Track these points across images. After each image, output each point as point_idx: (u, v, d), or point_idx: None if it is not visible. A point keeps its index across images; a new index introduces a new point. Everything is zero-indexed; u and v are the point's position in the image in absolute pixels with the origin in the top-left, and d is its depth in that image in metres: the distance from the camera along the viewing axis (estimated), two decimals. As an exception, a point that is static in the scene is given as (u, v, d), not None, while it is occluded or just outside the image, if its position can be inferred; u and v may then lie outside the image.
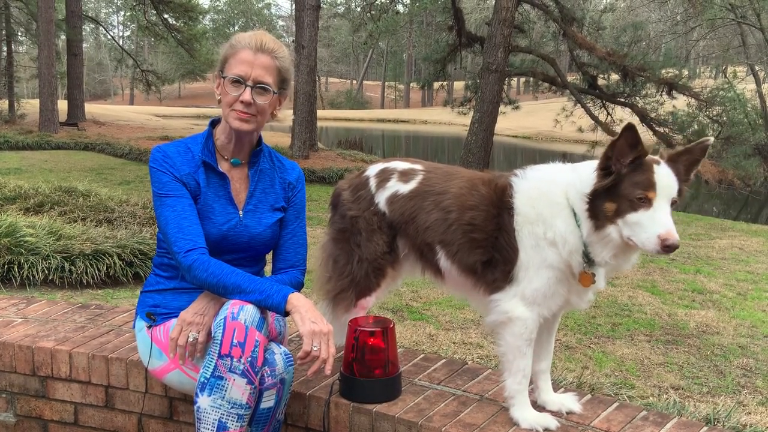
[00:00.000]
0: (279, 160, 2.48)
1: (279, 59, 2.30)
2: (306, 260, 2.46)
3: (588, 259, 2.06)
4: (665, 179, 1.94)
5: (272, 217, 2.39)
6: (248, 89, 2.24)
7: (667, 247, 1.88)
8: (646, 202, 1.92)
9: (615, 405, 2.34)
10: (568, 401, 2.30)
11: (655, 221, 1.90)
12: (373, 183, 2.47)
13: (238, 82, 2.25)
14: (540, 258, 2.11)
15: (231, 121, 2.28)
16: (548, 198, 2.11)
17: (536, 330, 2.18)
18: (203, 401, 2.11)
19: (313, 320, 2.09)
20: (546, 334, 2.31)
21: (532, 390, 2.31)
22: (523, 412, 2.19)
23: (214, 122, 2.40)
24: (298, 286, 2.39)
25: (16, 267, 4.90)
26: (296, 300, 2.13)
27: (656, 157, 2.00)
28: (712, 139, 2.06)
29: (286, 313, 2.14)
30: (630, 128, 1.95)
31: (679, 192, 1.98)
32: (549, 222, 2.09)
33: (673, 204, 1.96)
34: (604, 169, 1.99)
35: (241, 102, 2.25)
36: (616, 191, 1.96)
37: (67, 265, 5.01)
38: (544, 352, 2.32)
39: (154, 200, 2.29)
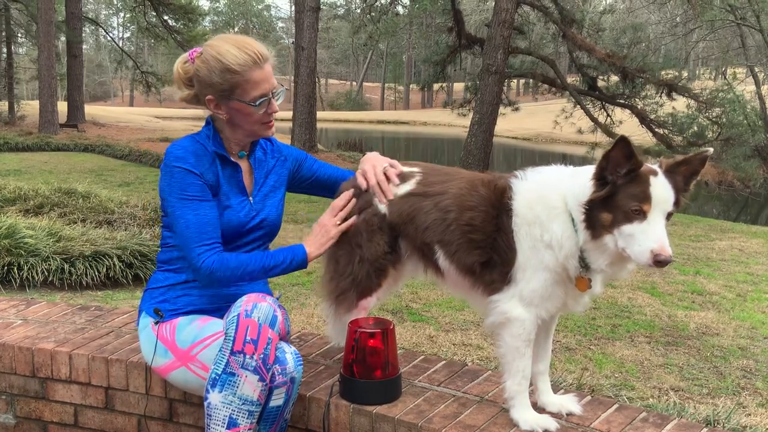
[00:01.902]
0: (265, 146, 2.57)
1: (270, 57, 2.36)
2: None
3: (584, 264, 2.06)
4: (661, 192, 1.93)
5: (275, 197, 2.51)
6: (273, 100, 2.34)
7: (659, 262, 1.88)
8: (641, 215, 1.92)
9: (615, 406, 2.34)
10: (568, 403, 2.30)
11: (648, 235, 1.90)
12: None
13: (267, 99, 2.31)
14: (537, 260, 2.11)
15: (264, 132, 2.40)
16: (546, 201, 2.11)
17: (534, 331, 2.18)
18: (214, 397, 2.12)
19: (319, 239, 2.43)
20: (543, 335, 2.31)
21: (531, 392, 2.31)
22: (523, 413, 2.19)
23: (213, 118, 2.42)
24: None
25: (15, 268, 4.90)
26: (310, 245, 2.41)
27: (654, 168, 1.99)
28: (711, 150, 2.04)
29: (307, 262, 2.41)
30: (623, 140, 1.94)
31: (676, 203, 1.97)
32: (546, 225, 2.09)
33: (669, 216, 1.95)
34: (600, 180, 1.99)
35: (273, 113, 2.36)
36: (612, 202, 1.96)
37: (66, 266, 5.01)
38: (542, 354, 2.32)
39: (172, 201, 2.27)
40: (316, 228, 2.46)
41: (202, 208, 2.28)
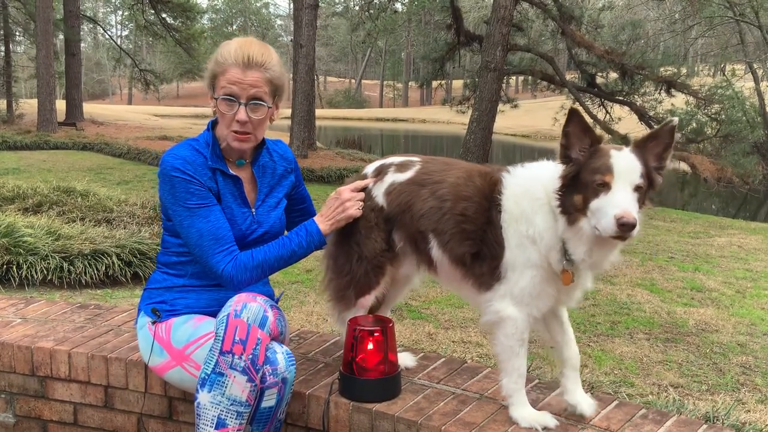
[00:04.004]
0: (273, 150, 2.53)
1: (269, 70, 2.28)
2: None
3: (568, 257, 2.06)
4: (623, 163, 1.94)
5: (279, 209, 2.48)
6: (243, 108, 2.25)
7: (622, 225, 1.86)
8: (605, 187, 1.92)
9: (614, 403, 2.34)
10: (583, 404, 2.24)
11: (612, 204, 1.90)
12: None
13: (232, 100, 2.25)
14: (524, 257, 2.11)
15: (230, 142, 2.31)
16: (530, 195, 2.12)
17: (527, 330, 2.18)
18: (203, 397, 2.11)
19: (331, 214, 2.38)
20: (557, 324, 2.27)
21: (530, 390, 2.31)
22: (521, 410, 2.19)
23: (214, 123, 2.39)
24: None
25: (14, 267, 4.90)
26: (319, 222, 2.39)
27: (617, 145, 2.01)
28: (676, 119, 2.04)
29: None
30: (574, 113, 1.97)
31: (648, 176, 1.96)
32: (530, 219, 2.10)
33: (638, 190, 1.94)
34: (566, 159, 2.01)
35: (238, 121, 2.26)
36: (580, 181, 1.97)
37: (65, 265, 5.01)
38: (565, 342, 2.25)
39: (179, 212, 2.25)
40: (333, 201, 2.40)
41: (211, 213, 2.26)
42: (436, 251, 2.30)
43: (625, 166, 1.93)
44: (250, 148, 2.41)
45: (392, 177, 2.41)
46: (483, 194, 2.22)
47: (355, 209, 2.38)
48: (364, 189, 2.43)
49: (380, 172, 2.45)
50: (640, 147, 1.99)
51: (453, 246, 2.24)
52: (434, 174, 2.35)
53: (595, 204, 1.93)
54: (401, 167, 2.42)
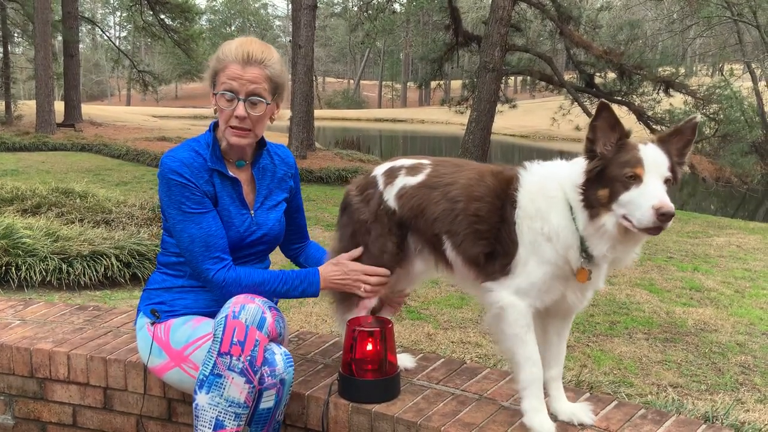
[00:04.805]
0: (275, 153, 2.53)
1: (269, 67, 2.29)
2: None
3: (587, 255, 2.06)
4: (653, 156, 1.94)
5: (278, 211, 2.48)
6: (241, 103, 2.26)
7: (662, 215, 1.86)
8: (636, 179, 1.92)
9: (614, 403, 2.34)
10: (581, 412, 2.22)
11: (646, 195, 1.90)
12: (381, 181, 2.45)
13: (231, 96, 2.26)
14: (538, 254, 2.10)
15: (228, 138, 2.32)
16: (545, 192, 2.11)
17: (530, 316, 2.14)
18: (201, 399, 2.11)
19: (339, 281, 2.39)
20: (556, 338, 2.27)
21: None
22: (530, 403, 2.14)
23: (216, 125, 2.40)
24: (318, 247, 2.70)
25: (13, 269, 4.90)
26: (324, 280, 2.39)
27: (641, 139, 2.01)
28: (698, 116, 2.06)
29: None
30: (605, 107, 1.96)
31: (672, 171, 1.96)
32: (546, 217, 2.09)
33: (667, 183, 1.95)
34: (590, 153, 2.00)
35: (236, 117, 2.27)
36: (606, 176, 1.97)
37: (64, 266, 5.00)
38: (555, 358, 2.27)
39: (173, 214, 2.27)
40: (342, 269, 2.40)
41: (204, 220, 2.27)
42: (450, 252, 2.30)
43: (655, 159, 1.94)
44: (250, 149, 2.41)
45: (403, 180, 2.39)
46: (495, 193, 2.21)
47: (353, 289, 2.40)
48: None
49: (390, 175, 2.44)
50: (665, 142, 2.00)
51: (466, 247, 2.24)
52: (445, 176, 2.34)
53: (626, 197, 1.93)
54: (412, 170, 2.41)
